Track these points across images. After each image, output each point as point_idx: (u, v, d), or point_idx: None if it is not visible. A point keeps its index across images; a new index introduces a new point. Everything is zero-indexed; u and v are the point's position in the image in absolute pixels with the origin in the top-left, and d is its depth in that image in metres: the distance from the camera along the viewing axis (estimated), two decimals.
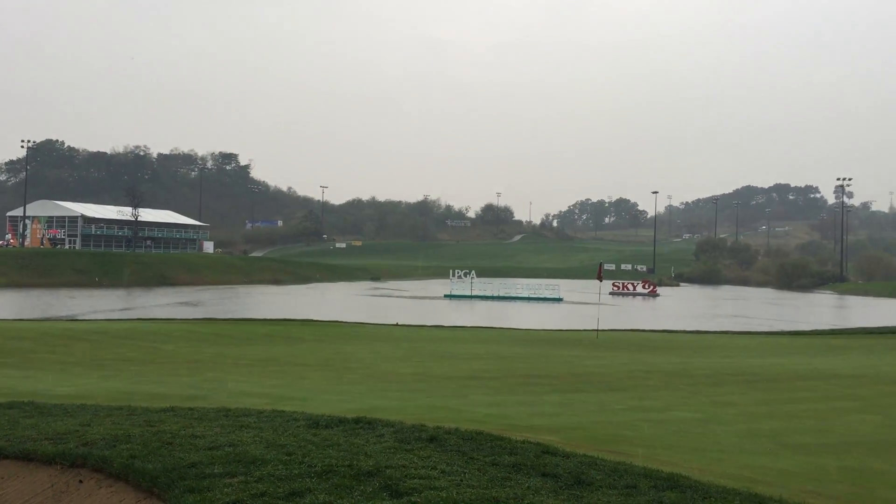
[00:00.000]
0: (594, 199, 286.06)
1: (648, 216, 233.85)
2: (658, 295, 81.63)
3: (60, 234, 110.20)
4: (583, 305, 61.43)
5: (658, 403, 12.57)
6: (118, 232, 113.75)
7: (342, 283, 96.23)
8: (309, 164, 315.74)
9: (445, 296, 70.02)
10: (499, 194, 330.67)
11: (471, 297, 69.45)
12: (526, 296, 69.90)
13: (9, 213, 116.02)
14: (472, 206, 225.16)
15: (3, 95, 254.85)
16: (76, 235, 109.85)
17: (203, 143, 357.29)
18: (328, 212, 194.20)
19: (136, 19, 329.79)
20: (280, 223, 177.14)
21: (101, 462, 6.59)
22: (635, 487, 5.87)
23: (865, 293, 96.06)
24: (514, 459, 6.56)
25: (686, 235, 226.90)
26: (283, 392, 12.68)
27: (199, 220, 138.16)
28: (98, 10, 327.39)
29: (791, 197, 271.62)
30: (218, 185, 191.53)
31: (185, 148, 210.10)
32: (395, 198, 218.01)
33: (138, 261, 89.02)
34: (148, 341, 22.35)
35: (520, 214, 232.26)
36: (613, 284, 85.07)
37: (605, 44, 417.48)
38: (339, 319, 35.59)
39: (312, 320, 33.39)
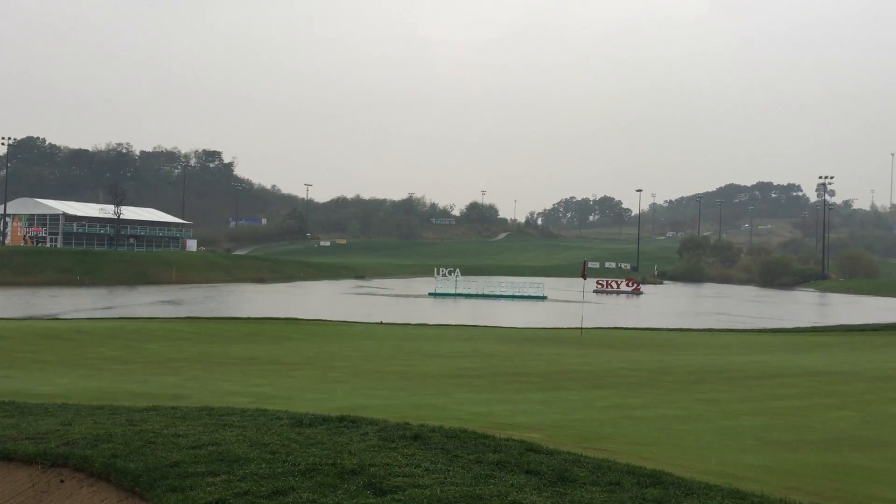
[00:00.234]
0: (579, 198, 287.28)
1: (632, 214, 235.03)
2: (642, 293, 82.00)
3: (42, 232, 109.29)
4: (567, 303, 61.59)
5: (641, 401, 12.62)
6: (100, 230, 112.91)
7: (326, 281, 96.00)
8: (293, 162, 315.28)
9: (430, 294, 70.03)
10: (483, 192, 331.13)
11: (455, 295, 69.49)
12: (510, 294, 70.04)
13: None
14: (457, 204, 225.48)
15: None
16: (58, 234, 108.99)
17: (186, 141, 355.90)
18: (312, 210, 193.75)
19: (117, 17, 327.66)
20: (264, 221, 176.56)
21: (83, 461, 6.54)
22: (618, 484, 5.90)
23: (846, 291, 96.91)
24: (498, 457, 6.57)
25: (670, 233, 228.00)
26: (266, 391, 12.63)
27: (183, 219, 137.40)
28: (78, 8, 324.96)
29: (773, 195, 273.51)
30: (201, 182, 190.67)
31: (168, 145, 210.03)
32: (380, 196, 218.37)
33: (121, 259, 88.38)
34: (130, 340, 22.21)
35: (504, 212, 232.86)
36: (597, 282, 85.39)
37: (589, 42, 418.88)
38: (324, 318, 35.53)
39: (296, 319, 33.31)
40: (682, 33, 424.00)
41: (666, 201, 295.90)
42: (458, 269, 76.53)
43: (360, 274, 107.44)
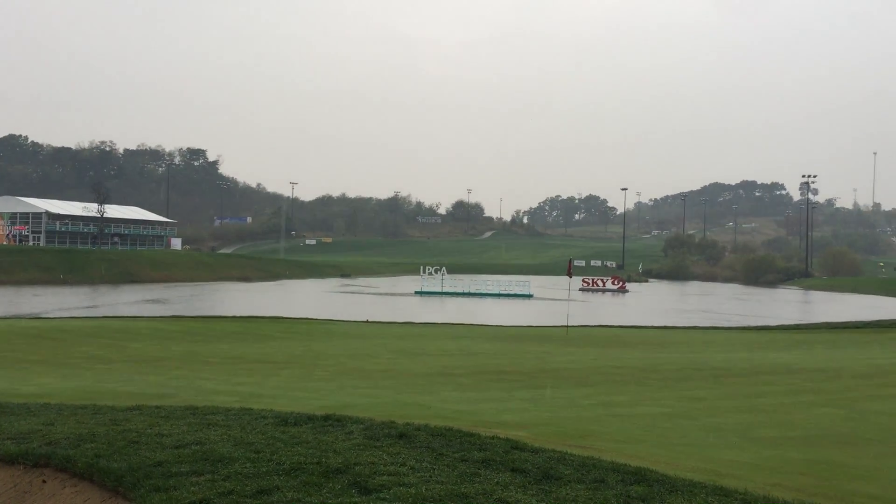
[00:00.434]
0: (564, 196, 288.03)
1: (618, 213, 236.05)
2: (627, 291, 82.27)
3: (25, 230, 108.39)
4: (553, 301, 61.72)
5: (626, 398, 12.66)
6: (84, 228, 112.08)
7: (312, 279, 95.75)
8: (279, 161, 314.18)
9: (416, 292, 69.98)
10: (469, 191, 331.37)
11: (441, 293, 69.48)
12: (496, 292, 70.10)
13: None
14: (443, 202, 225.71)
15: None
16: (40, 232, 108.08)
17: (171, 139, 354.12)
18: (298, 208, 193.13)
19: (101, 14, 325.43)
20: (249, 220, 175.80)
21: (66, 461, 6.50)
22: (603, 482, 5.92)
23: (830, 288, 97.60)
24: (484, 455, 6.57)
25: (655, 232, 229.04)
26: (251, 390, 12.58)
27: (167, 217, 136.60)
28: (61, 6, 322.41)
29: (757, 194, 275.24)
30: (186, 181, 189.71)
31: (152, 143, 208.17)
32: (366, 194, 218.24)
33: (105, 258, 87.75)
34: (114, 339, 22.07)
35: (490, 211, 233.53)
36: (583, 280, 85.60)
37: (574, 42, 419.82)
38: (309, 316, 35.43)
39: (282, 317, 33.20)
40: (668, 35, 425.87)
41: (651, 200, 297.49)
42: (444, 268, 76.46)
43: (345, 272, 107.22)
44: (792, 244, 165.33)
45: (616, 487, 5.76)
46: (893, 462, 8.39)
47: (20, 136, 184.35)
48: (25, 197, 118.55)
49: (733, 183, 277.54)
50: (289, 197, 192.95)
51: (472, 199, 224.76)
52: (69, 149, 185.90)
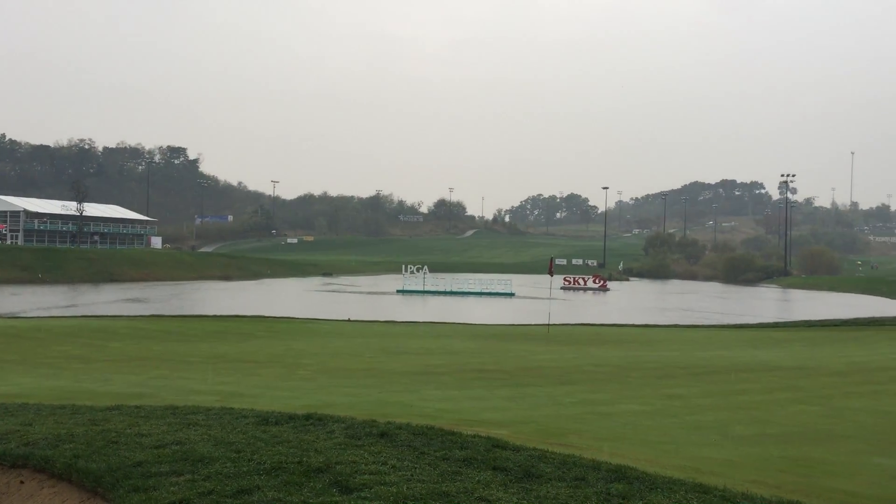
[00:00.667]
0: (546, 195, 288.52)
1: (599, 212, 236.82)
2: (608, 289, 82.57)
3: (3, 229, 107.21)
4: (534, 300, 61.87)
5: (607, 397, 12.73)
6: (62, 227, 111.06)
7: (293, 278, 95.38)
8: (260, 159, 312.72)
9: (398, 291, 69.91)
10: (451, 190, 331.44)
11: (423, 292, 69.46)
12: (478, 291, 70.16)
13: None
14: (425, 201, 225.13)
15: None
16: (18, 230, 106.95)
17: (151, 137, 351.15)
18: (279, 207, 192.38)
19: (78, 12, 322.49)
20: (230, 218, 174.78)
21: (44, 462, 6.45)
22: (584, 479, 5.94)
23: (808, 287, 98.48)
24: (465, 454, 6.58)
25: (636, 230, 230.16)
26: (232, 389, 12.52)
27: (147, 215, 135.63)
28: (38, 3, 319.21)
29: (737, 193, 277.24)
30: (166, 179, 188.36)
31: (131, 141, 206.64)
32: (348, 193, 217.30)
33: (84, 256, 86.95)
34: (93, 339, 21.89)
35: (472, 210, 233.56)
36: (564, 279, 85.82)
37: (557, 41, 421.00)
38: (291, 315, 35.31)
39: (263, 316, 33.07)
40: (651, 37, 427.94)
41: (632, 199, 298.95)
42: (426, 266, 76.41)
43: (327, 271, 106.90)
44: (771, 243, 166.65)
45: (596, 485, 5.79)
46: (870, 458, 8.49)
47: None
48: (3, 195, 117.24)
49: (713, 182, 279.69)
50: (270, 195, 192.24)
51: (454, 198, 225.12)
52: (48, 146, 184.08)
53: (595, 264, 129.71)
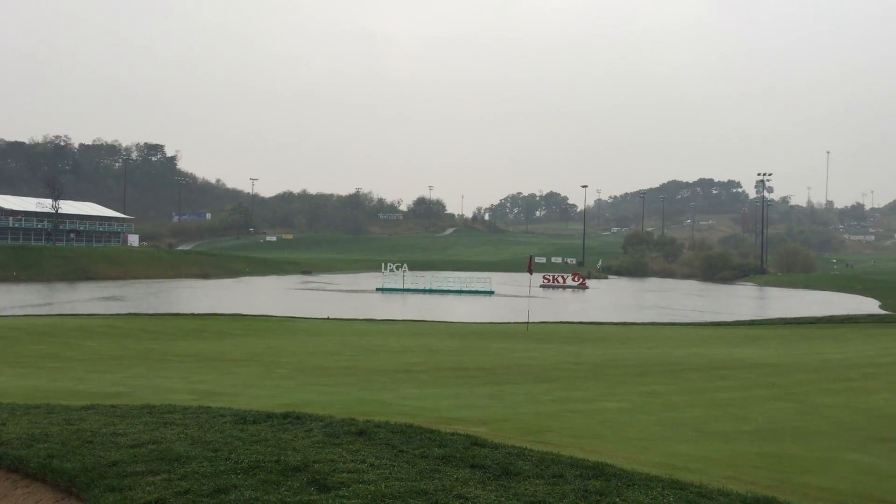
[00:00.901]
0: (525, 193, 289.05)
1: (578, 210, 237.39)
2: (587, 287, 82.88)
3: None
4: (514, 298, 62.00)
5: (585, 394, 12.79)
6: (38, 224, 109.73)
7: (272, 276, 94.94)
8: (239, 156, 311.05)
9: (377, 289, 69.79)
10: (431, 188, 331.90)
11: (402, 290, 69.38)
12: (458, 289, 70.21)
13: None
14: (405, 199, 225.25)
15: None
16: None
17: (128, 134, 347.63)
18: (258, 205, 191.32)
19: (53, 8, 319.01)
20: (208, 216, 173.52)
21: (17, 462, 6.38)
22: (562, 477, 5.96)
23: (784, 285, 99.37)
24: (443, 452, 6.59)
25: (614, 229, 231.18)
26: (210, 388, 12.45)
27: (124, 213, 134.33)
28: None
29: (714, 191, 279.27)
30: (143, 176, 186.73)
31: (108, 138, 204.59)
32: (327, 191, 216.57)
33: (59, 254, 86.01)
34: (69, 338, 21.68)
35: (452, 208, 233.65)
36: (544, 277, 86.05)
37: (536, 41, 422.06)
38: (269, 313, 35.15)
39: (241, 314, 32.90)
40: (629, 38, 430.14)
41: (611, 197, 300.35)
42: (405, 264, 76.25)
43: (306, 269, 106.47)
44: (748, 241, 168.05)
45: (574, 482, 5.81)
46: (845, 454, 8.59)
47: None
48: None
49: (691, 181, 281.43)
50: (249, 193, 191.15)
51: (434, 196, 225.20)
52: (22, 143, 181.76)
53: (574, 262, 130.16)
